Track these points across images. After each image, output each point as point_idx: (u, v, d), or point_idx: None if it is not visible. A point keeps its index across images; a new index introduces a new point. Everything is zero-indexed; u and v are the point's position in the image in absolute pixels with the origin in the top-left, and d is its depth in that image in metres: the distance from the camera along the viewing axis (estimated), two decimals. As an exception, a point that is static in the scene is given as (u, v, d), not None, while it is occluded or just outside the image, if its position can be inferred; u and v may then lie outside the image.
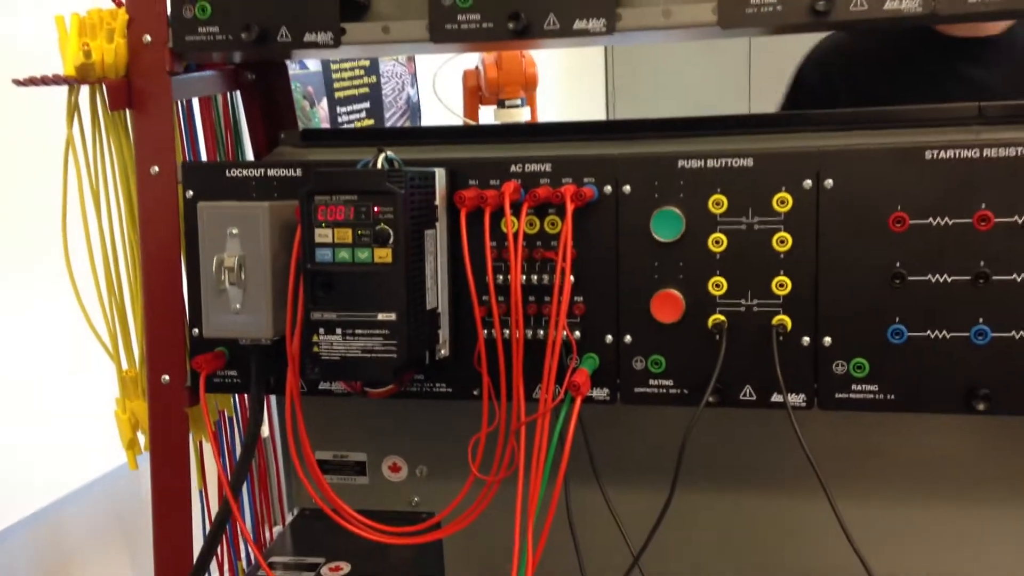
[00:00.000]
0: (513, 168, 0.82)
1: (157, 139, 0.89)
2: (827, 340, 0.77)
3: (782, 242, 0.78)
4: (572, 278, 0.81)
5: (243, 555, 1.04)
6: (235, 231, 0.80)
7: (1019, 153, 0.73)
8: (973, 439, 0.86)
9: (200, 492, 1.00)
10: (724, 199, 0.78)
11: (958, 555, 0.89)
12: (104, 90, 0.88)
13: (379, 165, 0.76)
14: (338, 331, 0.74)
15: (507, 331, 0.80)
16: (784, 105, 1.47)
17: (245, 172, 0.86)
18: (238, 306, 0.80)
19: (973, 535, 0.89)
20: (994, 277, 0.73)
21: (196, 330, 0.86)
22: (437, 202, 0.81)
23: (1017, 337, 0.73)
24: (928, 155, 0.75)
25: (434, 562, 0.98)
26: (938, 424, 0.85)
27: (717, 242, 0.79)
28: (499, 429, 0.80)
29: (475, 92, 1.89)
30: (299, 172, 0.85)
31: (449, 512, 0.82)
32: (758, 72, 4.00)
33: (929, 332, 0.74)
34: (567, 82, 3.88)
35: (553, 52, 3.45)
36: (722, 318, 0.78)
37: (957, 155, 0.74)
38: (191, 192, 0.87)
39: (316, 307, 0.74)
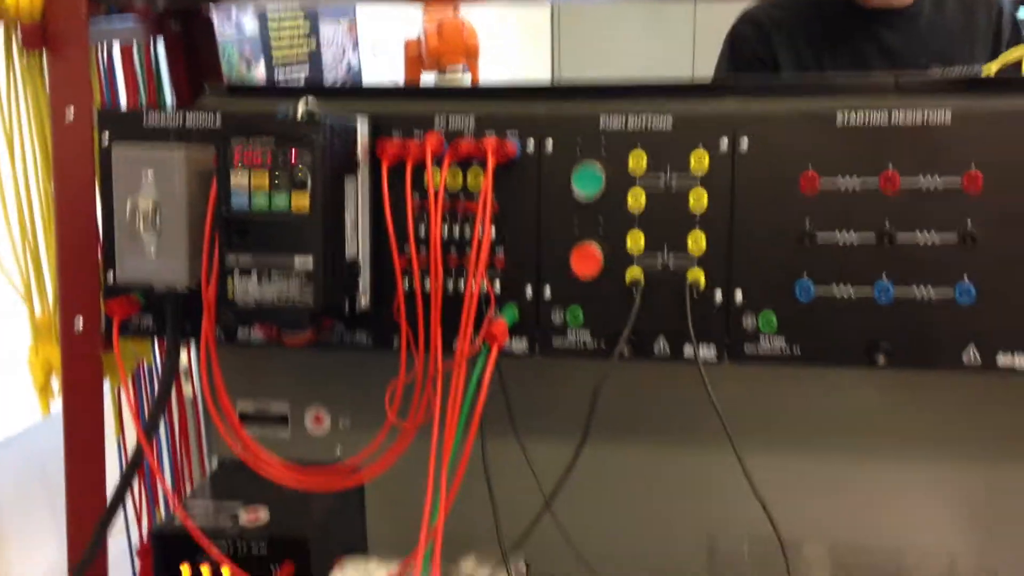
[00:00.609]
0: (437, 121, 0.82)
1: (73, 82, 0.87)
2: (739, 296, 0.79)
3: (699, 201, 0.79)
4: (493, 232, 0.81)
5: (161, 506, 1.04)
6: (150, 176, 0.79)
7: (926, 121, 0.76)
8: (877, 394, 0.89)
9: (119, 443, 0.99)
10: (644, 158, 0.80)
11: (863, 506, 0.93)
12: (19, 31, 0.86)
13: (300, 113, 0.76)
14: (253, 276, 0.74)
15: (428, 283, 0.81)
16: (719, 65, 1.50)
17: (164, 120, 0.85)
18: (153, 252, 0.79)
19: (878, 487, 0.93)
20: (898, 236, 0.75)
21: (111, 276, 0.85)
22: (359, 153, 0.80)
23: (918, 294, 0.75)
24: (839, 121, 0.77)
25: (355, 513, 0.98)
26: (843, 380, 0.88)
27: (636, 200, 0.80)
28: (418, 379, 0.81)
29: (416, 61, 1.88)
30: (219, 122, 0.83)
31: (366, 457, 0.83)
32: (703, 38, 4.03)
33: (835, 289, 0.77)
34: (514, 48, 3.88)
35: (500, 19, 3.44)
36: (639, 273, 0.80)
37: (867, 122, 0.77)
38: (107, 138, 0.86)
39: (231, 251, 0.74)
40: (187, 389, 1.10)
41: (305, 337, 0.80)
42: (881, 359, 0.76)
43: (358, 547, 0.97)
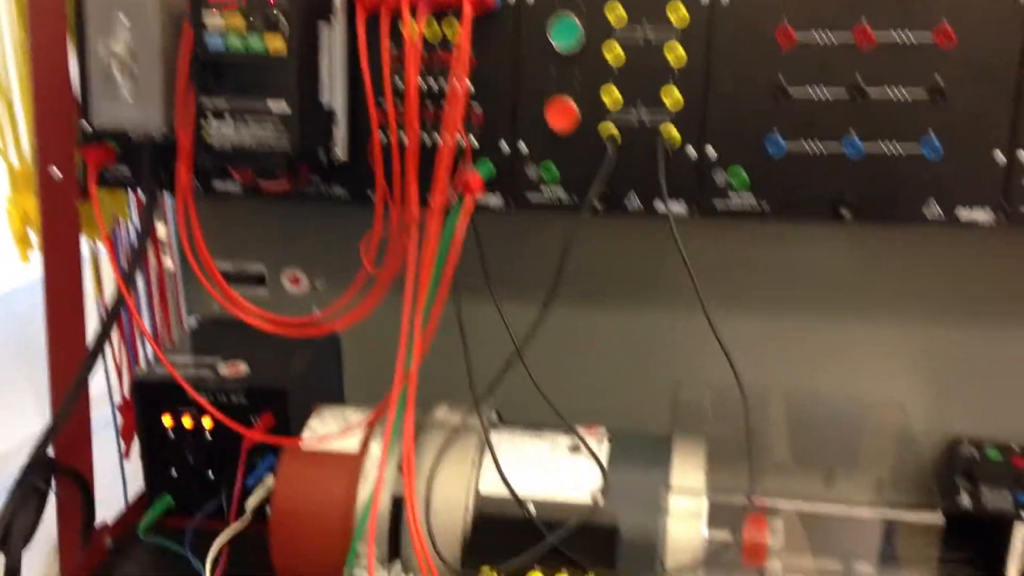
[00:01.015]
0: (415, -30, 0.81)
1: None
2: (711, 151, 0.80)
3: (675, 54, 0.79)
4: (470, 86, 0.82)
5: (143, 364, 1.06)
6: (124, 19, 0.78)
7: (904, -25, 0.76)
8: (842, 252, 0.92)
9: (97, 302, 1.01)
10: (622, 10, 0.79)
11: (823, 358, 0.97)
12: None
13: (275, -45, 0.75)
14: (229, 118, 0.74)
15: (404, 135, 0.81)
16: None
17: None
18: (129, 98, 0.79)
19: (838, 341, 0.97)
20: (869, 92, 0.76)
21: (87, 124, 0.85)
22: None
23: (885, 150, 0.77)
24: (818, -27, 0.77)
25: (332, 366, 1.01)
26: (810, 238, 0.91)
27: (612, 53, 0.80)
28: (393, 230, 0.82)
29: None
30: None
31: (342, 307, 0.85)
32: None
33: (806, 145, 0.78)
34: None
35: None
36: (613, 128, 0.81)
37: (845, -26, 0.77)
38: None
39: (206, 93, 0.74)
40: (166, 262, 1.11)
41: (282, 185, 0.81)
42: (847, 214, 0.78)
43: (335, 399, 1.00)
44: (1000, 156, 0.76)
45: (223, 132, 0.74)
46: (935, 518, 0.74)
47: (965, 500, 0.91)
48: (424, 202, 0.81)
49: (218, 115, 0.74)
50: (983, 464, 0.96)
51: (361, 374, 1.03)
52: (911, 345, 0.98)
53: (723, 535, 0.77)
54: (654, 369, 0.98)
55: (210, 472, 0.96)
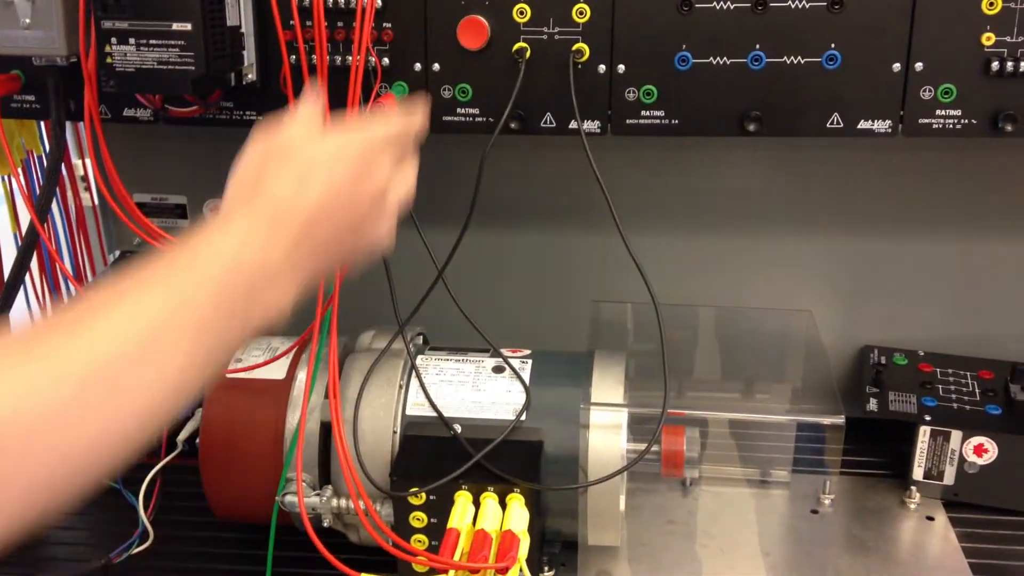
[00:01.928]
0: None
1: None
2: (621, 68, 0.81)
3: (584, -29, 0.80)
4: (380, 3, 0.81)
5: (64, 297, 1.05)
6: (19, -60, 0.76)
7: None
8: (752, 171, 0.94)
9: (15, 235, 0.99)
10: (531, -72, 0.79)
11: (742, 274, 1.00)
12: None
13: None
14: (131, 41, 0.73)
15: (315, 56, 0.81)
16: None
17: None
18: (27, 20, 0.76)
19: (755, 255, 1.00)
20: (770, 3, 0.77)
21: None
22: (240, -81, 0.78)
23: (788, 62, 0.78)
24: None
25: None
26: (722, 153, 0.92)
27: (522, -31, 0.80)
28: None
29: None
30: None
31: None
32: None
33: (712, 59, 0.79)
34: None
35: None
36: (525, 45, 0.81)
37: None
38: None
39: (107, 15, 0.72)
40: (85, 198, 1.09)
41: (191, 109, 0.80)
42: (753, 127, 0.79)
43: (262, 330, 1.00)
44: (898, 68, 0.78)
45: (126, 56, 0.73)
46: (837, 420, 0.77)
47: (872, 405, 0.94)
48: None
49: (121, 39, 0.73)
50: (890, 370, 1.00)
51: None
52: (821, 257, 1.01)
53: (642, 446, 0.80)
54: (577, 289, 1.00)
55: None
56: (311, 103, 0.64)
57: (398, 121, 0.68)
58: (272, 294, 0.56)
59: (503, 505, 0.77)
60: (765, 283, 1.01)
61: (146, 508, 0.90)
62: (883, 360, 1.01)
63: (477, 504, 0.77)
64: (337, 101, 0.80)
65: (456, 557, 0.72)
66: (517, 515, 0.76)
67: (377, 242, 0.65)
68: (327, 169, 0.60)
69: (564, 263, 1.02)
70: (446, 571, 0.71)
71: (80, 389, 0.45)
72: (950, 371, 1.00)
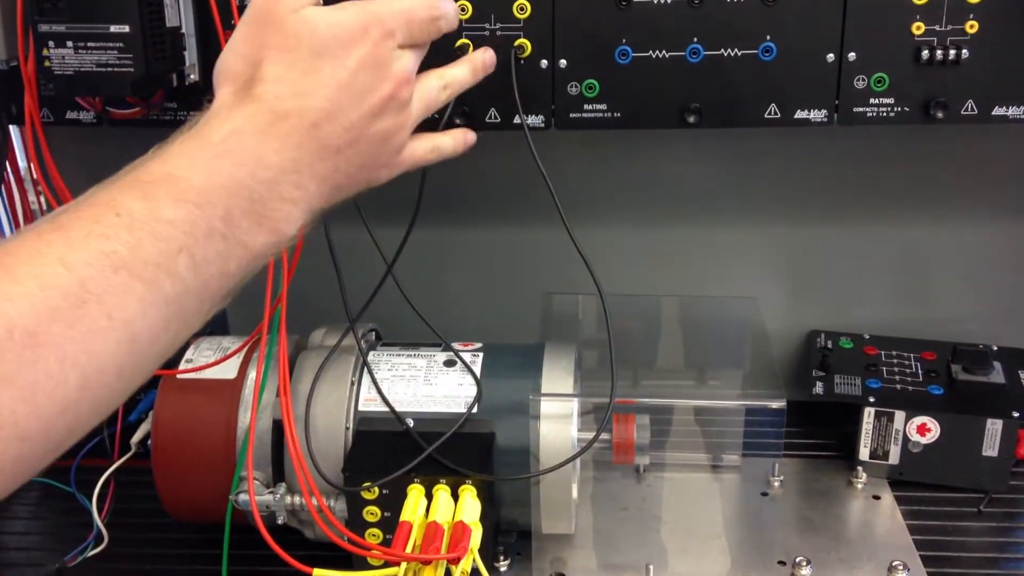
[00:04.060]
0: None
1: None
2: (563, 63, 0.82)
3: (524, -34, 0.80)
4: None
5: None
6: (-48, -58, 0.75)
7: None
8: (697, 158, 0.95)
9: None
10: (470, -82, 0.80)
11: (689, 263, 1.01)
12: None
13: None
14: (69, 44, 0.72)
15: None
16: None
17: None
18: (-36, 25, 0.76)
19: (702, 244, 1.01)
20: (706, -2, 0.79)
21: (-75, 57, 0.82)
22: (178, -81, 0.78)
23: (725, 54, 0.80)
24: None
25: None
26: (668, 148, 0.94)
27: (463, -34, 0.81)
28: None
29: None
30: None
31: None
32: None
33: (651, 52, 0.81)
34: None
35: None
36: (467, 41, 0.81)
37: None
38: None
39: (44, 18, 0.72)
40: (32, 200, 1.08)
41: (133, 111, 0.80)
42: (692, 119, 0.81)
43: (217, 330, 1.00)
44: (831, 59, 0.80)
45: (64, 59, 0.73)
46: (779, 403, 0.79)
47: (819, 388, 0.97)
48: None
49: (58, 42, 0.73)
50: (836, 354, 1.02)
51: (242, 302, 1.03)
52: (767, 245, 1.03)
53: (592, 435, 0.81)
54: (530, 282, 1.01)
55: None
56: None
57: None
58: (274, 209, 0.48)
59: (455, 497, 0.78)
60: (713, 272, 1.03)
61: (100, 511, 0.89)
62: (829, 344, 1.04)
63: (430, 497, 0.78)
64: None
65: (408, 549, 0.73)
66: (469, 506, 0.77)
67: (403, 152, 0.55)
68: (338, 59, 0.49)
69: (516, 257, 1.03)
70: (399, 563, 0.72)
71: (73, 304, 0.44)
72: (894, 353, 1.02)
